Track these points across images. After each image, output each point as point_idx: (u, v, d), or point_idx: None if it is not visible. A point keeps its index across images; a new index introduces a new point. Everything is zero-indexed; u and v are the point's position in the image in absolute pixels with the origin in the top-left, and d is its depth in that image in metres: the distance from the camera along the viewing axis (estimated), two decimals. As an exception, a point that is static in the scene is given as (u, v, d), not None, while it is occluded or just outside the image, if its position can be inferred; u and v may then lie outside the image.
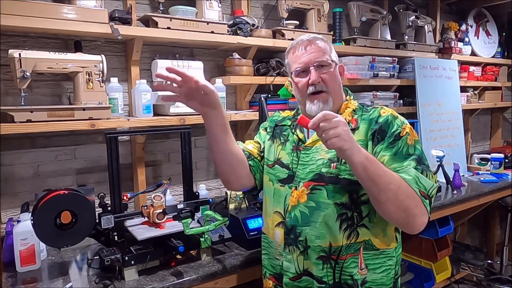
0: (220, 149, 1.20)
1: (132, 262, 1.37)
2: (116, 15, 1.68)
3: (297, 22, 2.29)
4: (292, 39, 2.02)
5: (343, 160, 1.14)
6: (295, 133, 1.29)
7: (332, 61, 1.23)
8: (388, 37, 2.75)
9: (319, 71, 1.21)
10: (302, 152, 1.24)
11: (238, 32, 2.01)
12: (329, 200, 1.16)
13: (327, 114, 1.01)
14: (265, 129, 1.42)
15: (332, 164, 1.17)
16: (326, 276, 1.16)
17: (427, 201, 1.08)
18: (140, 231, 1.46)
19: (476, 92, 3.40)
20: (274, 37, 2.18)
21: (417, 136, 1.19)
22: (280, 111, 1.46)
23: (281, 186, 1.26)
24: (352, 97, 1.31)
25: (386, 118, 1.17)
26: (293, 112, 1.41)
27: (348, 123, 1.18)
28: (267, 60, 2.19)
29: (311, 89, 1.22)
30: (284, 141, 1.31)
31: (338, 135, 1.00)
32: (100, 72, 1.62)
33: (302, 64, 1.22)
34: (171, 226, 1.50)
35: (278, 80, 2.17)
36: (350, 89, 1.34)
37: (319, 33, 2.28)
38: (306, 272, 1.19)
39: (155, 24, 1.78)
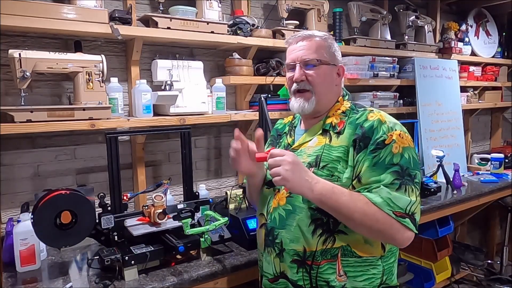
0: (258, 193, 1.31)
1: (132, 262, 1.37)
2: (116, 15, 1.68)
3: (297, 22, 2.29)
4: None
5: (320, 165, 1.13)
6: (286, 138, 1.31)
7: (320, 60, 1.18)
8: (388, 37, 2.75)
9: (306, 69, 1.18)
10: None
11: (238, 32, 2.01)
12: (304, 204, 1.13)
13: (273, 152, 1.06)
14: (268, 140, 1.43)
15: (310, 169, 1.13)
16: (302, 280, 1.14)
17: (407, 219, 1.03)
18: (136, 227, 1.47)
19: (476, 92, 3.40)
20: (274, 37, 2.18)
21: (409, 142, 1.11)
22: (284, 118, 1.45)
23: (266, 188, 1.26)
24: (346, 98, 1.25)
25: (371, 123, 1.10)
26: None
27: (334, 126, 1.18)
28: (267, 60, 2.19)
29: (294, 86, 1.21)
30: (278, 147, 1.32)
31: (279, 175, 1.04)
32: (100, 72, 1.62)
33: (290, 60, 1.22)
34: (167, 223, 1.50)
35: (278, 80, 2.17)
36: (350, 89, 1.33)
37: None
38: (282, 275, 1.18)
39: (155, 24, 1.78)
